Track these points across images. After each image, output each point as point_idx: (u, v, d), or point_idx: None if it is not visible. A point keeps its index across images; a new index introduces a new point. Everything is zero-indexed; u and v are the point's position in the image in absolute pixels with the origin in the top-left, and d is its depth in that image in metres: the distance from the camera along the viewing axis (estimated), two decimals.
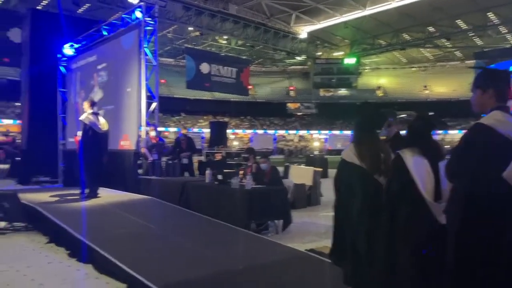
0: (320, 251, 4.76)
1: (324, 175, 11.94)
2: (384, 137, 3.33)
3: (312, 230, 6.37)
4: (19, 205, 6.19)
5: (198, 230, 5.50)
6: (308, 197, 8.87)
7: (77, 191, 7.90)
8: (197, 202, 6.49)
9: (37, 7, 28.81)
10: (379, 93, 55.76)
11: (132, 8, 8.77)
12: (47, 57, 11.86)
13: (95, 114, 7.41)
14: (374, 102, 46.59)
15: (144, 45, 8.33)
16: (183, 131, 9.52)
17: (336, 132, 51.59)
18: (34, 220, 6.21)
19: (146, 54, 8.38)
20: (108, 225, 5.43)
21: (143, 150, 8.07)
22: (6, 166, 15.72)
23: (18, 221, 6.29)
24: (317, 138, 54.21)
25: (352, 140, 3.18)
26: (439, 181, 2.65)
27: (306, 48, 49.79)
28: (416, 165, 2.65)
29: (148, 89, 8.48)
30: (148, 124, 8.35)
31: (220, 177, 6.28)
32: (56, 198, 7.37)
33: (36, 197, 7.32)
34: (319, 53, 53.65)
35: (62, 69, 11.88)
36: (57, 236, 5.42)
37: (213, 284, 3.72)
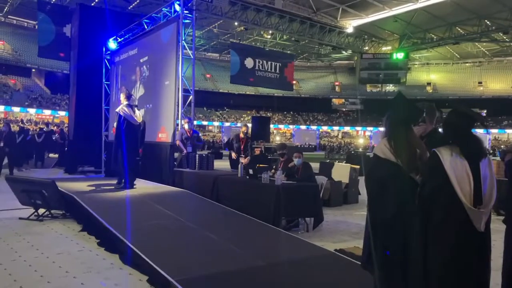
0: (350, 252, 4.56)
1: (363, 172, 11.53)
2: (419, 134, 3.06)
3: (344, 230, 6.13)
4: (57, 193, 6.38)
5: (226, 225, 5.42)
6: (344, 195, 8.59)
7: (115, 181, 8.09)
8: (228, 196, 6.43)
9: (91, 4, 30.09)
10: (429, 89, 53.61)
11: (171, 2, 8.80)
12: (94, 50, 12.25)
13: (131, 106, 7.47)
14: (423, 99, 44.82)
15: (182, 38, 8.34)
16: (243, 129, 9.23)
17: (383, 129, 50.08)
18: (71, 208, 6.39)
19: (183, 47, 8.39)
20: (137, 216, 5.47)
21: (178, 142, 8.11)
22: (56, 156, 16.48)
23: (56, 209, 6.51)
24: (362, 135, 53.04)
25: (385, 135, 2.83)
26: (480, 184, 2.37)
27: (353, 42, 48.68)
28: (453, 165, 2.37)
29: (185, 82, 8.48)
30: (183, 117, 8.36)
31: (251, 171, 6.17)
32: (94, 188, 7.57)
33: (75, 186, 7.55)
34: (366, 48, 52.28)
35: (106, 62, 12.20)
36: (89, 224, 5.53)
37: (235, 280, 3.62)
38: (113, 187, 7.57)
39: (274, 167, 6.67)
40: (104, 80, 12.25)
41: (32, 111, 40.54)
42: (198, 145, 8.26)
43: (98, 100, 12.33)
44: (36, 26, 34.61)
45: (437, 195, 2.43)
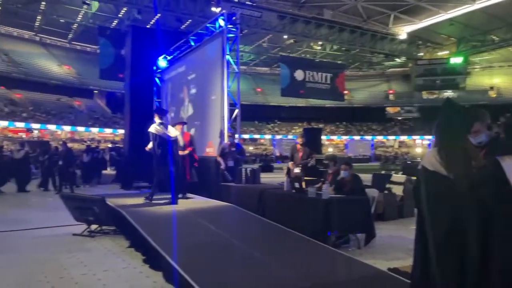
0: (405, 271, 4.18)
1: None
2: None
3: (399, 246, 5.70)
4: (107, 210, 6.52)
5: (271, 241, 5.23)
6: (399, 208, 8.10)
7: (167, 196, 8.16)
8: (274, 211, 6.24)
9: (146, 26, 31.54)
10: (492, 93, 50.41)
11: (215, 17, 8.89)
12: (145, 69, 12.68)
13: (163, 124, 7.74)
14: (485, 104, 42.23)
15: (227, 53, 8.36)
16: (299, 140, 9.02)
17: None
18: (120, 224, 6.50)
19: (228, 62, 8.40)
20: (182, 232, 5.41)
21: (218, 157, 8.08)
22: (113, 172, 17.18)
23: (107, 225, 6.65)
24: (420, 144, 50.77)
25: (435, 145, 2.54)
26: None
27: (407, 49, 47.07)
28: None
29: (231, 97, 8.47)
30: (229, 131, 8.34)
31: (297, 185, 5.95)
32: (144, 203, 7.67)
33: (127, 201, 7.68)
34: (421, 54, 50.32)
35: (157, 80, 12.55)
36: (136, 241, 5.56)
37: None
38: (167, 203, 7.63)
39: (322, 179, 6.41)
40: (155, 98, 12.60)
41: (94, 130, 42.84)
42: (240, 158, 8.15)
43: (150, 117, 12.61)
44: (98, 50, 36.83)
45: (501, 209, 2.15)
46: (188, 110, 11.07)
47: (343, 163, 6.16)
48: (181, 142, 8.14)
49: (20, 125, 37.55)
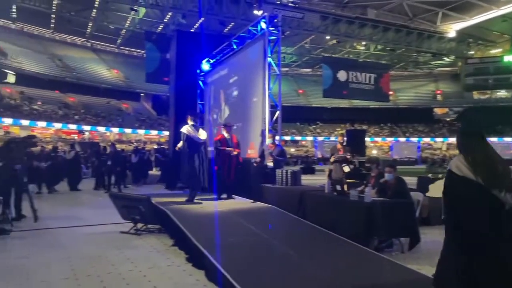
0: None
1: None
2: None
3: None
4: (152, 209, 6.75)
5: (312, 244, 5.21)
6: None
7: (211, 196, 8.37)
8: (315, 213, 6.21)
9: (190, 30, 32.30)
10: None
11: (257, 20, 8.97)
12: (189, 72, 12.99)
13: (195, 126, 8.28)
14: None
15: (268, 55, 8.42)
16: (340, 139, 9.21)
17: (494, 139, 45.18)
18: (165, 223, 6.70)
19: (269, 64, 8.45)
20: (224, 232, 5.50)
21: (260, 158, 8.16)
22: (158, 173, 17.70)
23: (152, 224, 6.88)
24: None
25: (460, 151, 2.58)
26: None
27: (456, 47, 45.29)
28: None
29: (272, 98, 8.52)
30: (270, 133, 8.38)
31: (338, 187, 5.89)
32: (187, 203, 7.86)
33: (171, 201, 7.91)
34: (471, 52, 48.21)
35: (200, 83, 12.83)
36: (180, 239, 5.71)
37: None
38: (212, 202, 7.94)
39: (364, 182, 6.31)
40: (198, 100, 12.87)
41: (141, 132, 44.29)
42: (281, 160, 8.16)
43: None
44: (144, 55, 38.15)
45: None
46: (224, 113, 11.46)
47: (387, 165, 6.02)
48: (230, 143, 8.42)
49: (73, 127, 39.50)
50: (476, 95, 51.68)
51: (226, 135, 8.44)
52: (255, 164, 8.31)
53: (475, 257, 2.37)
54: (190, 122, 8.23)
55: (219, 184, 8.46)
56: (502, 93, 50.30)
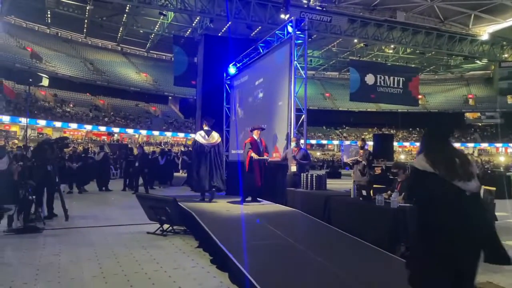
0: None
1: (502, 195, 10.09)
2: None
3: None
4: (179, 210, 6.84)
5: (336, 248, 5.17)
6: None
7: (238, 199, 8.43)
8: (340, 218, 6.15)
9: (218, 34, 32.65)
10: None
11: (284, 24, 8.99)
12: (216, 76, 13.13)
13: (207, 131, 8.62)
14: None
15: (294, 59, 8.42)
16: (359, 143, 9.39)
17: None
18: (190, 225, 6.78)
19: (296, 67, 8.45)
20: (249, 235, 5.53)
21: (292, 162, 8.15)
22: (185, 175, 17.93)
23: (178, 225, 6.98)
24: (504, 152, 47.00)
25: (421, 151, 3.05)
26: None
27: (489, 50, 43.96)
28: None
29: (297, 102, 8.51)
30: (295, 136, 8.36)
31: (364, 192, 5.82)
32: (213, 205, 7.94)
33: (197, 203, 8.01)
34: (505, 55, 46.69)
35: (226, 87, 12.94)
36: (205, 241, 5.77)
37: None
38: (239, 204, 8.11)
39: (390, 188, 6.21)
40: (225, 104, 12.98)
41: (168, 134, 45.04)
42: (304, 163, 8.12)
43: (219, 122, 13.07)
44: (172, 58, 38.77)
45: None
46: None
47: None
48: (260, 146, 8.55)
49: (102, 128, 40.55)
50: (510, 99, 50.01)
51: (256, 137, 8.52)
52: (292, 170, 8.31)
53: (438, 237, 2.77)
54: (205, 128, 8.69)
55: (245, 187, 8.51)
56: None
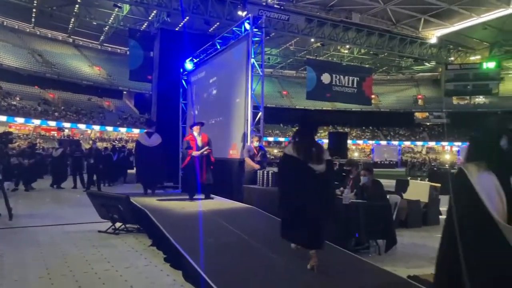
0: (426, 280, 4.11)
1: (447, 191, 10.61)
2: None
3: (422, 254, 5.60)
4: (132, 208, 6.68)
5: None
6: (424, 215, 7.95)
7: (187, 197, 8.34)
8: None
9: (175, 29, 32.07)
10: None
11: (241, 21, 8.98)
12: (172, 71, 12.89)
13: (148, 133, 9.55)
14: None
15: (252, 56, 8.43)
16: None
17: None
18: (144, 223, 6.64)
19: (253, 64, 8.47)
20: (204, 232, 5.49)
21: (247, 159, 8.15)
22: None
23: (131, 223, 6.81)
24: (449, 150, 49.57)
25: (290, 141, 4.41)
26: None
27: (437, 53, 46.12)
28: (482, 182, 2.15)
29: (255, 99, 8.53)
30: (254, 134, 8.39)
31: None
32: (167, 203, 7.82)
33: (151, 201, 7.85)
34: (452, 58, 49.20)
35: (183, 82, 12.76)
36: (159, 239, 5.67)
37: None
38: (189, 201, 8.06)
39: (343, 184, 6.37)
40: (181, 100, 12.80)
41: (123, 130, 43.77)
42: (263, 161, 8.19)
43: (176, 118, 12.88)
44: (127, 52, 37.72)
45: (468, 214, 2.19)
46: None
47: (363, 168, 6.10)
48: (199, 142, 8.35)
49: (52, 123, 38.79)
50: (455, 100, 52.79)
51: (195, 134, 8.38)
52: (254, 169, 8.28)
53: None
54: (146, 129, 9.79)
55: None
56: (480, 100, 51.48)
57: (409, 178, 14.45)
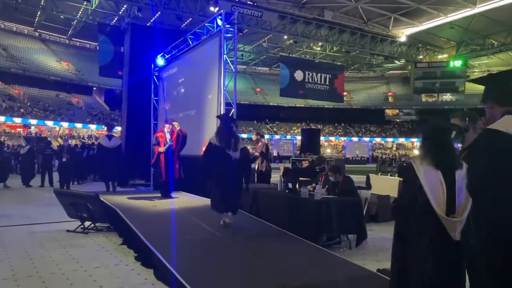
0: None
1: None
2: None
3: (391, 248, 5.70)
4: (101, 207, 6.54)
5: (263, 240, 5.25)
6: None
7: (158, 194, 8.25)
8: (267, 211, 6.27)
9: (147, 24, 31.50)
10: None
11: (213, 17, 8.91)
12: (143, 67, 12.66)
13: (108, 136, 10.71)
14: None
15: (224, 52, 8.38)
16: (254, 137, 9.95)
17: None
18: (114, 221, 6.52)
19: (226, 61, 8.42)
20: (176, 230, 5.45)
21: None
22: None
23: (100, 222, 6.67)
24: (418, 146, 50.79)
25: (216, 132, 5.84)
26: (454, 193, 2.43)
27: (406, 51, 47.22)
28: (427, 174, 2.45)
29: (227, 96, 8.49)
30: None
31: (290, 185, 5.98)
32: (138, 201, 7.70)
33: (121, 199, 7.73)
34: (421, 57, 50.50)
35: (155, 78, 12.57)
36: (129, 238, 5.59)
37: None
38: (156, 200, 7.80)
39: (315, 181, 6.43)
40: (153, 96, 12.60)
41: (93, 127, 42.75)
42: None
43: (147, 115, 12.67)
44: (97, 47, 36.82)
45: (412, 204, 2.48)
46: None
47: (329, 169, 6.17)
48: (168, 139, 8.44)
49: (18, 120, 37.49)
50: (424, 97, 54.19)
51: (166, 130, 8.42)
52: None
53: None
54: (106, 132, 11.09)
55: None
56: (448, 97, 53.02)
57: (379, 173, 14.75)
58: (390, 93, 56.16)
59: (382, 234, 6.66)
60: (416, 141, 51.67)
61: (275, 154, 44.17)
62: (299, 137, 39.30)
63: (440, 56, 51.32)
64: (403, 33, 43.40)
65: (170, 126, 8.46)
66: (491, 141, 2.01)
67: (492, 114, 2.18)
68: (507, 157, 1.92)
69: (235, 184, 5.61)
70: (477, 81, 2.49)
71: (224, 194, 5.53)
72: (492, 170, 1.94)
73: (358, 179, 7.94)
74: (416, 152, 44.39)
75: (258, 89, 54.87)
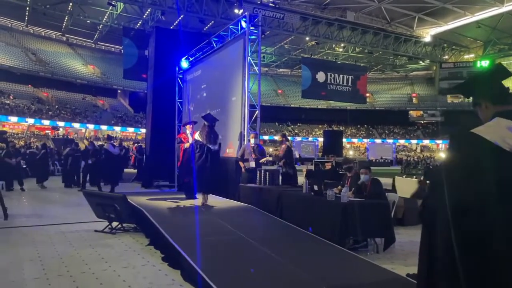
0: None
1: None
2: None
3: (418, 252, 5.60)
4: (128, 207, 6.63)
5: (289, 243, 5.22)
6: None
7: (183, 196, 8.31)
8: (292, 213, 6.23)
9: (170, 27, 31.93)
10: None
11: (237, 19, 8.94)
12: (168, 70, 12.83)
13: (112, 144, 12.81)
14: None
15: (248, 54, 8.40)
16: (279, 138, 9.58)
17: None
18: (141, 222, 6.60)
19: (250, 63, 8.43)
20: (201, 231, 5.46)
21: (240, 162, 8.18)
22: (135, 171, 17.43)
23: (127, 222, 6.77)
24: (443, 148, 49.76)
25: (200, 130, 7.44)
26: None
27: (431, 52, 46.35)
28: None
29: (251, 98, 8.50)
30: (250, 132, 8.36)
31: (316, 187, 5.92)
32: (164, 202, 7.77)
33: (147, 200, 7.81)
34: (446, 57, 49.46)
35: (179, 81, 12.70)
36: (156, 239, 5.64)
37: None
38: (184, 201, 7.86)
39: (341, 183, 6.36)
40: (177, 98, 12.74)
41: (117, 129, 43.57)
42: (260, 159, 8.17)
43: (171, 117, 12.83)
44: (122, 51, 37.50)
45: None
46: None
47: (362, 167, 6.09)
48: (190, 140, 8.31)
49: (46, 122, 38.52)
50: (450, 98, 53.04)
51: (188, 132, 8.39)
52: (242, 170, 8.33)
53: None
54: (109, 141, 13.29)
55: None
56: None
57: (404, 176, 14.49)
58: (414, 94, 55.20)
59: (409, 238, 6.52)
60: (441, 143, 50.60)
61: (297, 156, 44.02)
62: (320, 139, 39.03)
63: (466, 56, 50.17)
64: (427, 33, 42.65)
65: (191, 127, 8.47)
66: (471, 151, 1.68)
67: (485, 117, 2.01)
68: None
69: (213, 170, 7.42)
70: (477, 81, 2.30)
71: (205, 178, 7.31)
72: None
73: (384, 181, 7.81)
74: (442, 154, 43.47)
75: (279, 91, 54.82)
